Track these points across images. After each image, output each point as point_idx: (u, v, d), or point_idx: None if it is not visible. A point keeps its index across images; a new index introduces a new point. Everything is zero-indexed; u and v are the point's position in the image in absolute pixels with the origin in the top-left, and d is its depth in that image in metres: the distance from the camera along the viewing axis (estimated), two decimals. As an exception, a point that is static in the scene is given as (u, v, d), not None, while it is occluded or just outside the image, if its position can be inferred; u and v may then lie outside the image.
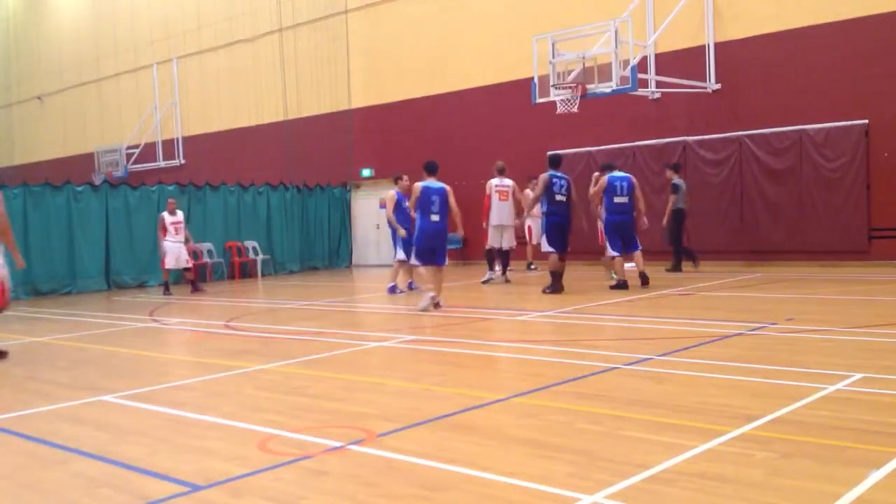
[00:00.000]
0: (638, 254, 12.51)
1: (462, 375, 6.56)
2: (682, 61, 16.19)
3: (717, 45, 16.03)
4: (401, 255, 13.38)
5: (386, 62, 21.64)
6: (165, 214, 15.52)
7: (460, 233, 12.00)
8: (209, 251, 19.15)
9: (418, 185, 10.83)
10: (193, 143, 26.95)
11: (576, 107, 14.42)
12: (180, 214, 15.69)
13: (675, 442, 4.24)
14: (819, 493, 3.45)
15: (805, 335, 7.55)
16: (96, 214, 17.35)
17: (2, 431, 5.27)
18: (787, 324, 8.16)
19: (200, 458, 4.43)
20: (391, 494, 3.69)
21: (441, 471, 3.98)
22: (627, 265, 12.65)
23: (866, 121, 14.40)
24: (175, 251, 15.38)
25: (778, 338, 7.48)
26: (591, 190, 12.68)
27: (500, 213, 14.15)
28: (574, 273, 13.95)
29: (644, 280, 12.17)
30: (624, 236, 12.39)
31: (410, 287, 13.53)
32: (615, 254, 12.38)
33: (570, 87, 14.27)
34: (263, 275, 19.70)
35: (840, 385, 5.36)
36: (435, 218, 10.70)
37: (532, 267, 16.58)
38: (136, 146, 28.11)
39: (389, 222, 13.22)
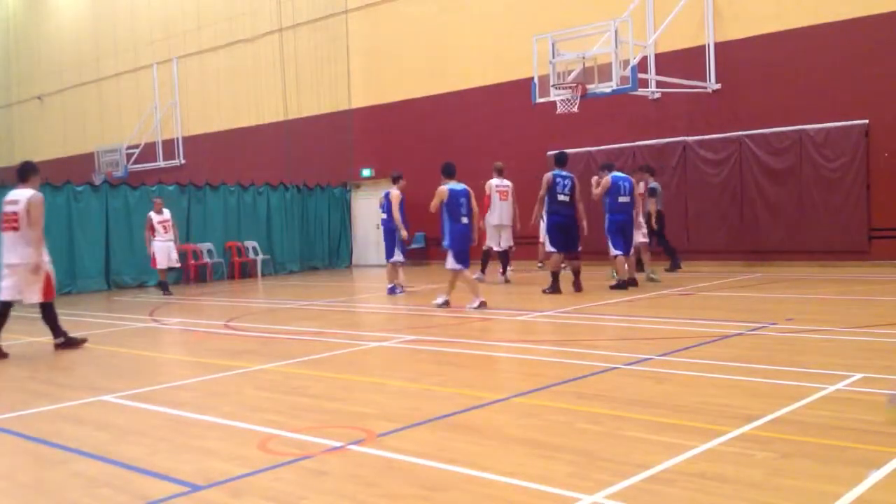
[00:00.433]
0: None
1: (462, 375, 6.56)
2: (682, 61, 16.18)
3: (717, 45, 16.03)
4: (399, 256, 13.43)
5: (386, 62, 21.64)
6: (153, 214, 15.48)
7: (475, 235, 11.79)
8: (209, 251, 19.15)
9: (445, 188, 10.79)
10: (193, 143, 26.95)
11: (576, 107, 14.42)
12: (167, 213, 15.64)
13: (675, 442, 4.24)
14: (819, 493, 3.45)
15: (805, 335, 7.55)
16: (96, 214, 17.35)
17: (2, 431, 5.27)
18: (787, 324, 8.16)
19: (200, 458, 4.43)
20: (391, 494, 3.69)
21: (441, 471, 3.98)
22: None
23: (866, 121, 14.39)
24: (165, 250, 15.37)
25: (778, 338, 7.48)
26: (595, 191, 12.64)
27: (500, 212, 14.17)
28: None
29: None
30: (625, 235, 12.44)
31: (390, 292, 13.48)
32: (618, 252, 12.41)
33: (570, 87, 14.27)
34: (263, 275, 19.70)
35: (840, 385, 5.36)
36: (465, 220, 10.79)
37: (540, 266, 16.61)
38: (136, 146, 28.11)
39: (392, 221, 13.22)
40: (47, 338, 9.37)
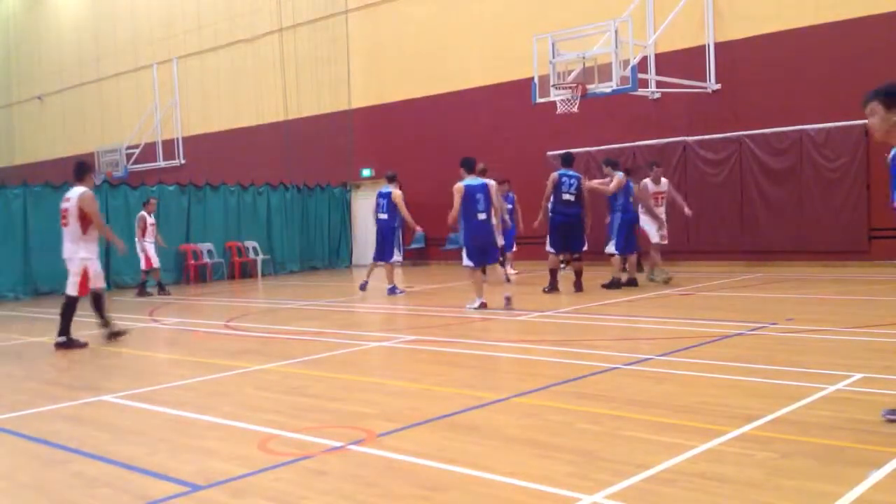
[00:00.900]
0: (634, 256, 12.98)
1: (462, 375, 6.56)
2: (682, 61, 16.18)
3: (717, 45, 16.02)
4: (398, 256, 13.44)
5: (386, 62, 21.64)
6: (146, 215, 15.47)
7: (516, 228, 11.48)
8: (209, 251, 19.15)
9: (461, 184, 10.49)
10: (193, 143, 26.95)
11: (576, 107, 14.42)
12: (153, 216, 15.70)
13: (675, 442, 4.24)
14: (819, 493, 3.45)
15: (805, 335, 7.55)
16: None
17: (2, 431, 5.27)
18: (787, 324, 8.16)
19: (200, 458, 4.43)
20: (391, 494, 3.69)
21: (441, 471, 3.98)
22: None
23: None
24: (152, 251, 15.42)
25: (778, 338, 7.48)
26: (611, 186, 12.51)
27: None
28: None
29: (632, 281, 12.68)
30: (629, 235, 12.51)
31: (363, 288, 13.47)
32: (616, 252, 12.43)
33: (570, 87, 14.28)
34: (263, 275, 19.70)
35: (840, 385, 5.36)
36: (482, 216, 10.47)
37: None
38: (136, 146, 28.10)
39: (395, 220, 13.26)
40: (48, 337, 9.38)
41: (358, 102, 22.41)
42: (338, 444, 4.51)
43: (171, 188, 18.74)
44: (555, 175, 12.09)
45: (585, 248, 12.37)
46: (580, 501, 3.45)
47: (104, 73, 30.36)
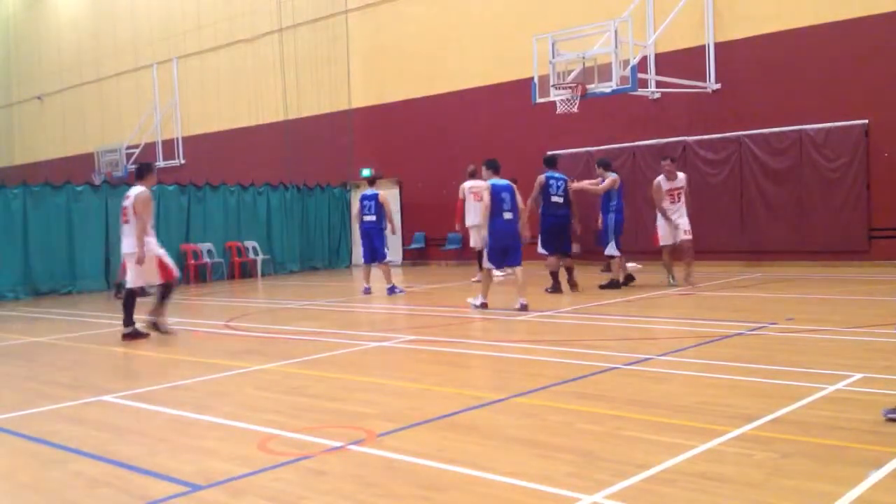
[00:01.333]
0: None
1: (462, 375, 6.56)
2: (682, 61, 16.18)
3: (717, 45, 16.02)
4: (389, 255, 13.61)
5: (386, 62, 21.63)
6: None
7: (527, 234, 11.30)
8: (209, 251, 19.14)
9: (488, 183, 10.57)
10: (193, 143, 26.95)
11: (576, 107, 14.41)
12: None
13: (675, 442, 4.24)
14: (819, 493, 3.45)
15: (805, 335, 7.55)
16: (96, 214, 17.32)
17: (2, 431, 5.27)
18: (787, 324, 8.15)
19: (200, 458, 4.43)
20: (391, 494, 3.69)
21: (441, 471, 3.98)
22: (630, 264, 12.79)
23: (866, 121, 14.39)
24: None
25: (778, 338, 7.48)
26: (603, 186, 12.47)
27: (475, 213, 14.16)
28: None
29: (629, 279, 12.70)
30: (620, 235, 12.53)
31: (367, 292, 13.61)
32: (618, 253, 12.41)
33: (570, 87, 14.27)
34: (263, 275, 19.70)
35: (840, 385, 5.36)
36: (508, 216, 10.45)
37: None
38: (136, 146, 28.09)
39: (384, 221, 13.48)
40: (47, 337, 9.38)
41: (358, 102, 22.41)
42: (338, 444, 4.51)
43: (171, 188, 18.74)
44: (542, 178, 12.08)
45: (576, 249, 12.38)
46: (580, 501, 3.45)
47: (104, 73, 30.35)
